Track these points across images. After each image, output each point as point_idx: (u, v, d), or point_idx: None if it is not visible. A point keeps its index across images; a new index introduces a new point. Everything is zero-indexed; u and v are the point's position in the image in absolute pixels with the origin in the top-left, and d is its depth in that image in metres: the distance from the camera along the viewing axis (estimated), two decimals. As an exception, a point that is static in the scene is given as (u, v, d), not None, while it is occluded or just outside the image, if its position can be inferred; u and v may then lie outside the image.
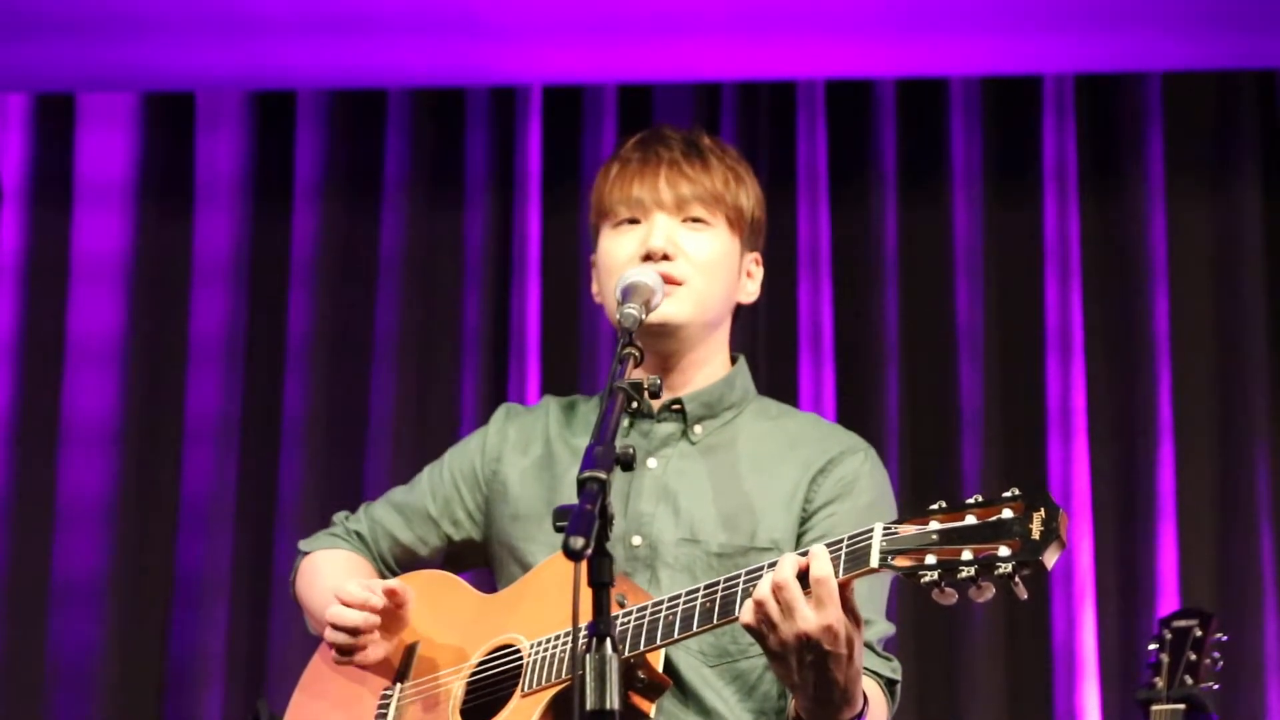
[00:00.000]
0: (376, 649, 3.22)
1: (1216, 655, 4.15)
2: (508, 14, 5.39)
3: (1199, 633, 4.13)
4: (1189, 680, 4.10)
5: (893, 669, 3.13)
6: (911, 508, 2.83)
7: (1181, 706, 4.07)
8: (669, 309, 3.21)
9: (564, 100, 5.70)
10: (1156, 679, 4.11)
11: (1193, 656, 4.11)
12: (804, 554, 2.82)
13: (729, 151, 3.35)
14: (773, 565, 2.84)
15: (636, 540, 3.20)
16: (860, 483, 3.21)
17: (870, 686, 3.02)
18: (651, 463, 3.26)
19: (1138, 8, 5.34)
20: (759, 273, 3.38)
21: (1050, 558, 2.69)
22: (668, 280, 3.20)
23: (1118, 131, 5.60)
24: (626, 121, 5.59)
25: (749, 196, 3.32)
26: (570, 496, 3.03)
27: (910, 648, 5.34)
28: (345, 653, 3.22)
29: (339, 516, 3.54)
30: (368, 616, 3.18)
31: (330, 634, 3.21)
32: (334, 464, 5.61)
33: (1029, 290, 5.55)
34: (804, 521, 3.20)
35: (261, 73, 5.68)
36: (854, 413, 5.48)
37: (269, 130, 5.76)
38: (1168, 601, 5.28)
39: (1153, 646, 4.18)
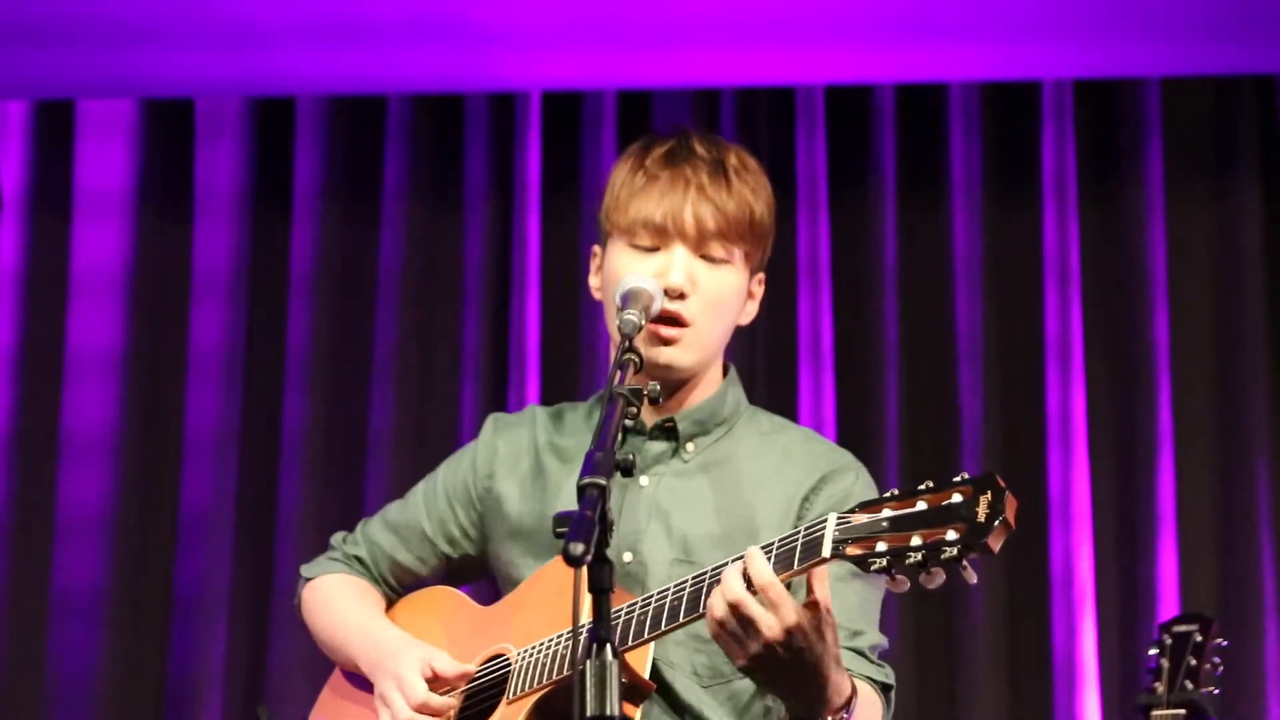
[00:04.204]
0: None
1: (1217, 660, 4.13)
2: (507, 20, 5.39)
3: (1199, 638, 4.11)
4: (1189, 685, 4.08)
5: (886, 675, 3.13)
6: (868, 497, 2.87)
7: (1182, 711, 4.05)
8: (674, 356, 3.20)
9: (563, 106, 5.69)
10: (1157, 684, 4.09)
11: (1193, 661, 4.09)
12: (740, 558, 2.85)
13: (750, 167, 3.27)
14: (737, 560, 2.86)
15: (628, 557, 3.19)
16: (850, 500, 3.18)
17: (862, 685, 3.02)
18: (644, 480, 3.24)
19: (1136, 13, 5.33)
20: (760, 292, 3.34)
21: (996, 541, 2.70)
22: (676, 321, 3.18)
23: (1117, 137, 5.60)
24: (626, 128, 5.57)
25: (765, 215, 3.26)
26: (563, 506, 3.03)
27: (911, 655, 5.34)
28: None
29: (336, 539, 3.54)
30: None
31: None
32: (333, 477, 5.60)
33: (1028, 297, 5.54)
34: None
35: (261, 79, 5.68)
36: (854, 421, 5.47)
37: (268, 136, 5.75)
38: (1168, 608, 5.27)
39: (1153, 651, 4.16)
